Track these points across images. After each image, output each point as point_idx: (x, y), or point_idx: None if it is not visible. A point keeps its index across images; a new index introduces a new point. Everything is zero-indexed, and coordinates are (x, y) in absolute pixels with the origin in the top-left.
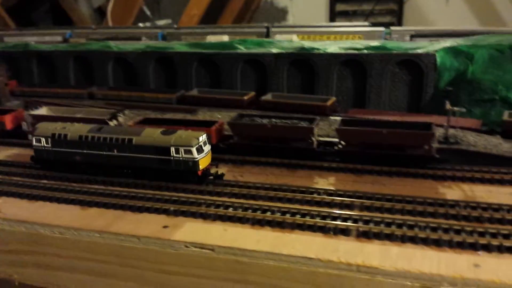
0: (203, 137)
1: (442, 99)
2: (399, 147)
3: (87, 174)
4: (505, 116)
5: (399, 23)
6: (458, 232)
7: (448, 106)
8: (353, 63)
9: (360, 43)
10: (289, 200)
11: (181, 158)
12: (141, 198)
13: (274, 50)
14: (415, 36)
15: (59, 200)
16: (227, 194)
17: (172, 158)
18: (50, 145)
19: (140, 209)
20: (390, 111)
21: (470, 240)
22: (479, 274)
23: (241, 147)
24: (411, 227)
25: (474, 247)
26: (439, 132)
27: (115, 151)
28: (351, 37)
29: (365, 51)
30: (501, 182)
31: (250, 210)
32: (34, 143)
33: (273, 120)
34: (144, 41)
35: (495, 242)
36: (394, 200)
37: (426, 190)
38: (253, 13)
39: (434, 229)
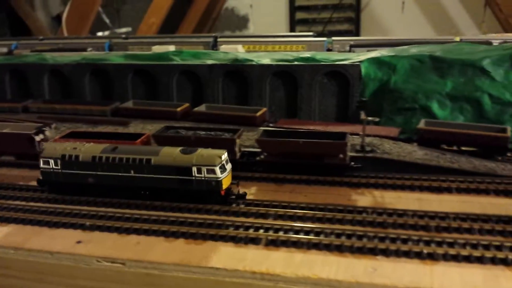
0: (225, 156)
1: (370, 111)
2: (316, 156)
3: (100, 196)
4: (421, 124)
5: (357, 31)
6: (360, 237)
7: (363, 116)
8: (285, 74)
9: (291, 55)
10: (207, 211)
11: (203, 178)
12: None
13: (209, 62)
14: (354, 46)
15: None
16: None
17: (193, 178)
18: (59, 167)
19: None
20: (317, 121)
21: (370, 245)
22: (374, 278)
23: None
24: (317, 233)
25: (373, 252)
26: (355, 141)
27: (132, 172)
28: (294, 47)
29: (296, 63)
30: (411, 188)
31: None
32: (41, 165)
33: (198, 132)
34: (89, 52)
35: (393, 246)
36: (307, 208)
37: (340, 197)
38: (214, 21)
39: (338, 235)
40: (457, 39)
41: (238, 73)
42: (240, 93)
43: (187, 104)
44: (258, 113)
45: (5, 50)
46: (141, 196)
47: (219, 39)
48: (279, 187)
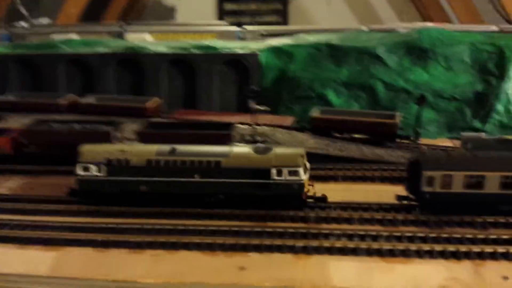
0: (304, 154)
1: (270, 99)
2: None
3: (155, 206)
4: (314, 112)
5: (285, 22)
6: (234, 233)
7: (252, 105)
8: (182, 63)
9: (189, 43)
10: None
11: (283, 181)
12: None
13: (100, 50)
14: (265, 35)
15: None
16: None
17: (272, 181)
18: (104, 174)
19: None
20: (215, 111)
21: (243, 241)
22: (242, 277)
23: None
24: (191, 232)
25: (245, 248)
26: (246, 131)
27: (197, 176)
28: (204, 36)
29: (193, 51)
30: (335, 179)
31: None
32: (79, 172)
33: (73, 125)
34: None
35: (267, 241)
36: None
37: None
38: (140, 13)
39: (211, 233)
40: (364, 28)
41: (133, 62)
42: (135, 83)
43: (72, 96)
44: (150, 104)
45: None
46: (208, 203)
47: (127, 28)
48: None
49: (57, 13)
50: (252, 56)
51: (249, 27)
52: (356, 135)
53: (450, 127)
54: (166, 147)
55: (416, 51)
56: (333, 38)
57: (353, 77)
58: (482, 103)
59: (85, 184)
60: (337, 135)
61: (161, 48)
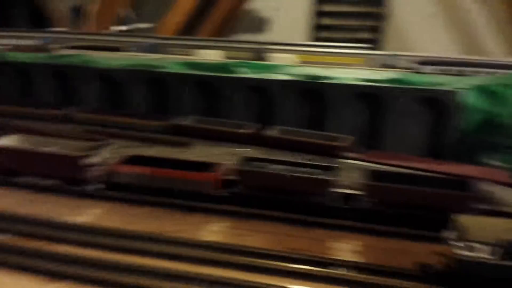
0: None
1: (472, 147)
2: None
3: None
4: None
5: (379, 41)
6: None
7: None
8: (370, 97)
9: (377, 73)
10: None
11: None
12: None
13: (281, 77)
14: (423, 63)
15: None
16: None
17: None
18: (498, 258)
19: None
20: (414, 156)
21: None
22: None
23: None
24: None
25: None
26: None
27: None
28: (352, 60)
29: (386, 84)
30: None
31: None
32: (461, 251)
33: (291, 168)
34: (140, 55)
35: None
36: None
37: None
38: (235, 22)
39: None
40: None
41: (315, 92)
42: (315, 115)
43: (253, 125)
44: (345, 143)
45: (34, 43)
46: None
47: (267, 46)
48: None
49: (157, 21)
50: (453, 94)
51: (398, 53)
52: None
53: None
54: None
55: None
56: None
57: None
58: None
59: (468, 266)
60: None
61: (348, 78)
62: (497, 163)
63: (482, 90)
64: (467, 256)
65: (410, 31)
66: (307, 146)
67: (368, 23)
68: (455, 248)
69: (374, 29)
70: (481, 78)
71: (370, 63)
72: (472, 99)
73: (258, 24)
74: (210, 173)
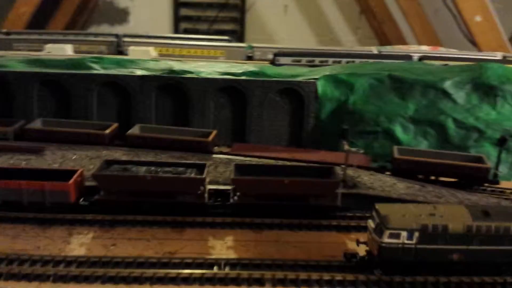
0: None
1: (327, 133)
2: (302, 197)
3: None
4: (395, 153)
5: (242, 31)
6: None
7: (346, 146)
8: (232, 90)
9: (237, 67)
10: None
11: None
12: None
13: (139, 72)
14: (278, 54)
15: None
16: None
17: None
18: (414, 241)
19: None
20: (279, 146)
21: None
22: None
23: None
24: None
25: None
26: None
27: None
28: (213, 52)
29: (245, 77)
30: None
31: None
32: (386, 239)
33: (153, 169)
34: None
35: None
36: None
37: (336, 247)
38: (90, 13)
39: None
40: (374, 49)
41: (176, 87)
42: (177, 110)
43: (115, 125)
44: (210, 138)
45: None
46: None
47: (124, 39)
48: (259, 236)
49: (6, 12)
50: (310, 84)
51: (257, 45)
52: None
53: None
54: (478, 210)
55: (483, 87)
56: (393, 69)
57: (421, 112)
58: None
59: (389, 252)
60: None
61: (208, 72)
62: (354, 149)
63: (332, 79)
64: (389, 242)
65: (269, 22)
66: (172, 143)
67: (230, 14)
68: (381, 236)
69: (236, 20)
70: (332, 68)
71: (230, 55)
72: (324, 88)
73: (115, 15)
74: (65, 181)
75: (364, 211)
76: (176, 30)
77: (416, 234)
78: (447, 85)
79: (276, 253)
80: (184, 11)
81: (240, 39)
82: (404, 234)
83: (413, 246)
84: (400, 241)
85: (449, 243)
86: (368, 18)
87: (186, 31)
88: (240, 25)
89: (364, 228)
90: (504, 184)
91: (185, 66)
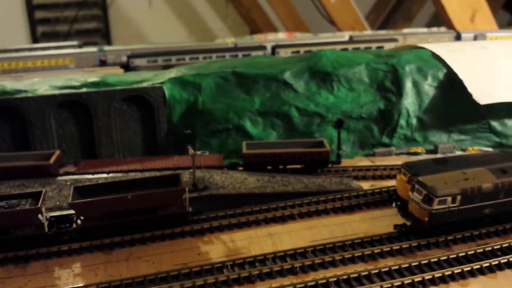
0: None
1: (178, 137)
2: (150, 209)
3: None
4: (244, 148)
5: (107, 29)
6: None
7: (191, 150)
8: (74, 104)
9: (76, 79)
10: None
11: None
12: None
13: None
14: (132, 56)
15: None
16: None
17: None
18: (457, 204)
19: None
20: (128, 157)
21: None
22: None
23: None
24: None
25: None
26: (184, 179)
27: None
28: (61, 61)
29: (85, 89)
30: (257, 223)
31: None
32: (436, 206)
33: None
34: None
35: None
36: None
37: (189, 253)
38: None
39: None
40: (230, 42)
41: (11, 109)
42: (17, 134)
43: None
44: (52, 159)
45: None
46: None
47: None
48: (109, 257)
49: None
50: (156, 89)
51: (109, 48)
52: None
53: (362, 145)
54: (497, 170)
55: (320, 74)
56: (236, 65)
57: (266, 105)
58: (386, 119)
59: (438, 216)
60: (270, 167)
61: (44, 88)
62: (199, 152)
63: (178, 81)
64: (438, 209)
65: (134, 17)
66: (11, 171)
67: (90, 12)
68: (428, 204)
69: (98, 18)
70: (177, 69)
71: (81, 62)
72: (171, 91)
73: None
74: None
75: (218, 211)
76: (34, 35)
77: (458, 197)
78: (287, 76)
79: (126, 271)
80: (39, 14)
81: (106, 37)
82: (449, 199)
83: (456, 208)
84: (446, 205)
85: (482, 200)
86: (235, 6)
87: (44, 35)
88: (104, 23)
89: (218, 228)
90: (347, 162)
91: (19, 85)
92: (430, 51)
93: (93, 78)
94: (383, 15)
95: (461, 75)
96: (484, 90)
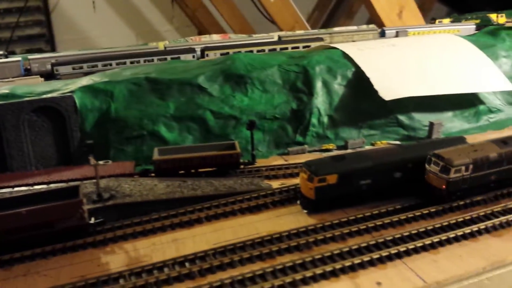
0: None
1: (94, 145)
2: (47, 224)
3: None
4: (155, 154)
5: (50, 34)
6: None
7: (92, 161)
8: None
9: None
10: None
11: None
12: None
13: None
14: (56, 64)
15: None
16: None
17: None
18: (469, 172)
19: None
20: (37, 170)
21: None
22: None
23: None
24: None
25: None
26: (89, 188)
27: None
28: None
29: None
30: (163, 229)
31: None
32: (452, 175)
33: None
34: None
35: None
36: None
37: (88, 265)
38: None
39: None
40: (161, 46)
41: None
42: None
43: None
44: None
45: None
46: None
47: None
48: (8, 273)
49: None
50: (66, 98)
51: (33, 56)
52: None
53: (277, 144)
54: (499, 141)
55: (234, 77)
56: (150, 71)
57: (181, 109)
58: (299, 118)
59: (454, 184)
60: (183, 172)
61: None
62: (102, 161)
63: (89, 89)
64: (454, 177)
65: (79, 21)
66: None
67: (33, 17)
68: (446, 174)
69: (41, 23)
70: (89, 78)
71: (3, 72)
72: (82, 100)
73: None
74: None
75: (123, 220)
76: None
77: (471, 166)
78: (201, 80)
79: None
80: None
81: (50, 42)
82: (463, 168)
83: (468, 176)
84: (461, 174)
85: (489, 168)
86: (181, 7)
87: None
88: (47, 28)
89: (122, 237)
90: (262, 162)
91: None
92: (341, 50)
93: (2, 91)
94: (326, 13)
95: (368, 73)
96: (390, 87)
